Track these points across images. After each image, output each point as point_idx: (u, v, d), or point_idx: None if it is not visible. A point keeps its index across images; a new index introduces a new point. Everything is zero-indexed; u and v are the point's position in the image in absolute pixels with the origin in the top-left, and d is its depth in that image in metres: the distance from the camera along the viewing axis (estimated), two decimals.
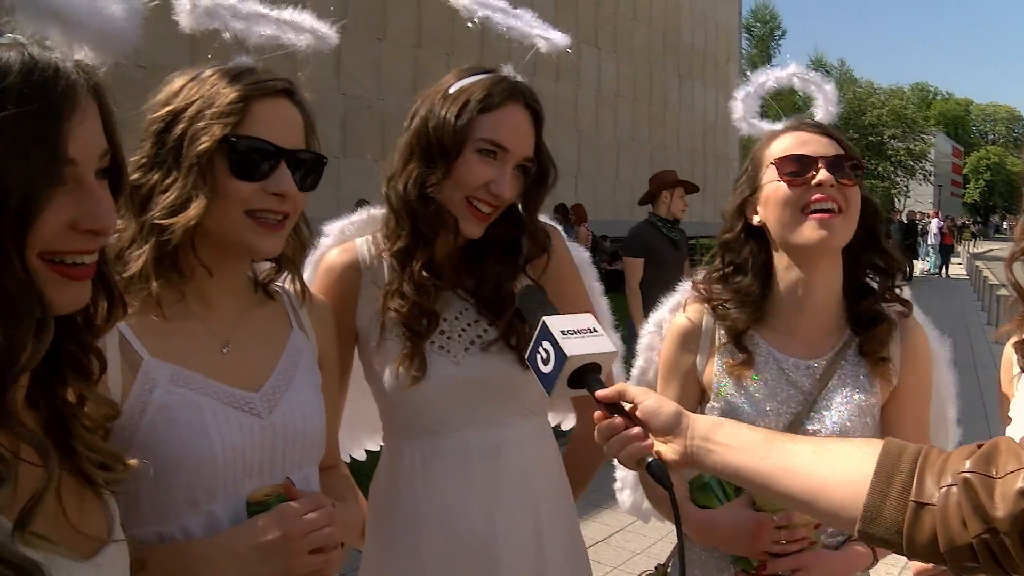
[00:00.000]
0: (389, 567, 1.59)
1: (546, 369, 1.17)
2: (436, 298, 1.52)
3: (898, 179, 48.60)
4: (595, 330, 1.19)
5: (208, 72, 1.24)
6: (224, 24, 1.28)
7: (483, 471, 1.54)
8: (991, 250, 41.41)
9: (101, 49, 0.85)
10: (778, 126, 1.68)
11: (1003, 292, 11.30)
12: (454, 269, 1.56)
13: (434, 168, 1.47)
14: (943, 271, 25.62)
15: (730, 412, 1.54)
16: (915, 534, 0.91)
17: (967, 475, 0.89)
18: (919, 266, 25.03)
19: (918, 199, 54.16)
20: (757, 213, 1.56)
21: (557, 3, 16.41)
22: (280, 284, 1.41)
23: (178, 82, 1.25)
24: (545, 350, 1.17)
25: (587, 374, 1.16)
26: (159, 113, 1.22)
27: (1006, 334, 1.52)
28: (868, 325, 1.55)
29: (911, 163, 47.70)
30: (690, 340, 1.63)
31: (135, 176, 1.22)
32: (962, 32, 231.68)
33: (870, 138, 45.82)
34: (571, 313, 1.23)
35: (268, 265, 1.38)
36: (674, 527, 1.12)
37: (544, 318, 1.19)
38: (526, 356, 1.23)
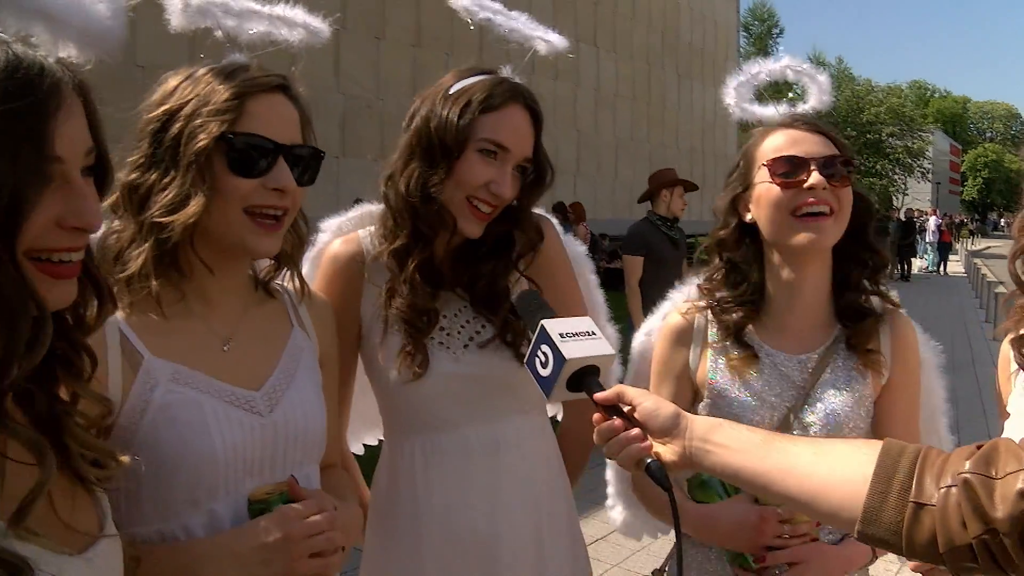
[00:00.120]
0: (390, 564, 1.59)
1: (545, 372, 1.17)
2: (435, 296, 1.53)
3: (896, 177, 48.60)
4: (593, 333, 1.19)
5: (202, 71, 1.25)
6: (216, 22, 1.28)
7: (483, 467, 1.55)
8: (989, 247, 41.43)
9: (86, 47, 0.85)
10: (770, 111, 1.68)
11: (1001, 289, 11.32)
12: (451, 267, 1.56)
13: (436, 168, 1.47)
14: (941, 269, 25.65)
15: (724, 407, 1.55)
16: (914, 535, 0.91)
17: (967, 476, 0.89)
18: (917, 264, 25.04)
19: (916, 197, 54.17)
20: (749, 210, 1.56)
21: (556, 2, 16.40)
22: (280, 283, 1.41)
23: (172, 81, 1.25)
24: (544, 353, 1.18)
25: (586, 377, 1.16)
26: (155, 113, 1.23)
27: (1005, 331, 1.52)
28: (855, 319, 1.56)
29: (909, 161, 47.70)
30: (683, 338, 1.63)
31: (133, 176, 1.22)
32: (960, 30, 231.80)
33: (868, 136, 45.82)
34: (561, 305, 1.23)
35: (267, 262, 1.38)
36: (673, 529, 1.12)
37: (543, 321, 1.19)
38: (525, 360, 1.23)
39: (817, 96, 1.72)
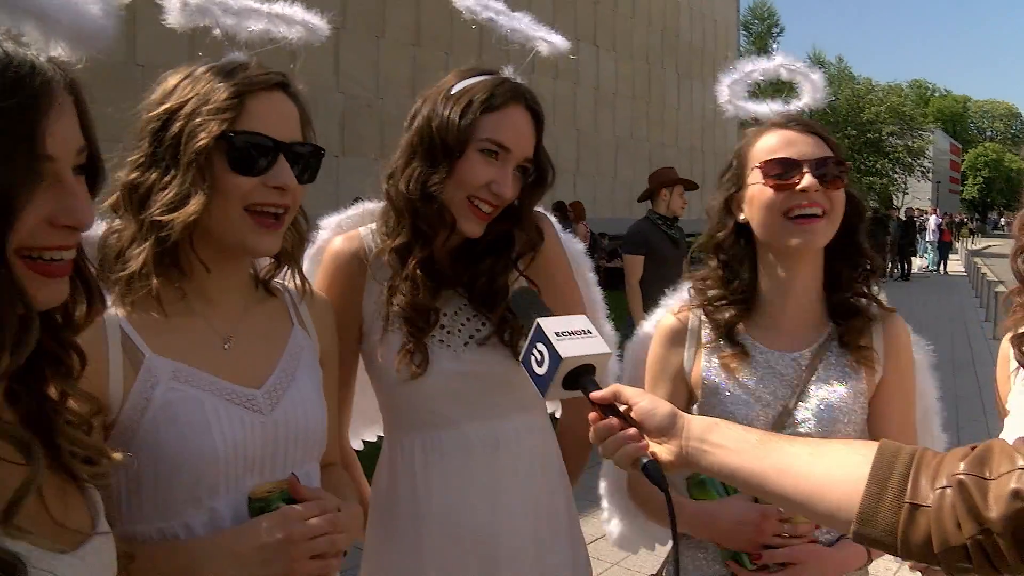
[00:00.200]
0: (390, 562, 1.60)
1: (540, 371, 1.18)
2: (436, 295, 1.53)
3: (896, 176, 48.56)
4: (589, 331, 1.19)
5: (201, 69, 1.25)
6: (215, 20, 1.28)
7: (483, 465, 1.55)
8: (989, 247, 41.43)
9: (78, 46, 0.84)
10: (764, 107, 1.68)
11: (1001, 289, 11.32)
12: (452, 266, 1.56)
13: (437, 167, 1.48)
14: (941, 268, 25.65)
15: (718, 406, 1.55)
16: (910, 535, 0.92)
17: (961, 476, 0.90)
18: (917, 263, 25.04)
19: (916, 196, 54.16)
20: (743, 211, 1.57)
21: (555, 1, 16.40)
22: (280, 281, 1.41)
23: (172, 80, 1.25)
24: (539, 352, 1.18)
25: (582, 375, 1.17)
26: (155, 112, 1.23)
27: (1005, 329, 1.53)
28: (846, 316, 1.56)
29: (909, 160, 47.65)
30: (677, 339, 1.64)
31: (133, 175, 1.22)
32: (960, 29, 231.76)
33: (868, 135, 45.80)
34: (560, 303, 1.23)
35: (268, 260, 1.38)
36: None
37: (538, 320, 1.19)
38: (520, 358, 1.23)
39: (811, 94, 1.72)
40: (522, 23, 1.63)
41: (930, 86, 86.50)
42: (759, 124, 1.64)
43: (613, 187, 20.09)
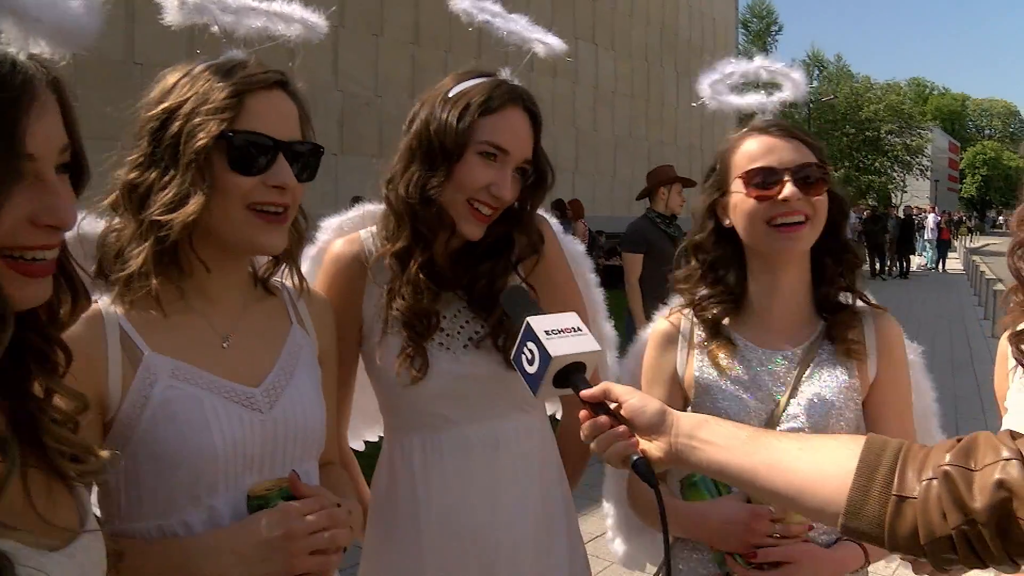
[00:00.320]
0: (389, 560, 1.60)
1: (531, 369, 1.18)
2: (435, 298, 1.53)
3: (895, 174, 48.64)
4: (579, 329, 1.19)
5: (200, 68, 1.24)
6: (213, 18, 1.27)
7: (482, 466, 1.55)
8: (988, 245, 41.47)
9: (59, 44, 0.83)
10: (746, 101, 1.68)
11: (1000, 287, 11.32)
12: (452, 269, 1.56)
13: (435, 171, 1.48)
14: (940, 266, 25.67)
15: (710, 404, 1.55)
16: (897, 527, 0.93)
17: (947, 468, 0.91)
18: (916, 261, 25.06)
19: (915, 194, 54.18)
20: (727, 216, 1.57)
21: (554, 1, 16.40)
22: (279, 280, 1.41)
23: (171, 79, 1.25)
24: (530, 350, 1.18)
25: (572, 373, 1.17)
26: (154, 111, 1.22)
27: (1004, 327, 1.53)
28: (833, 311, 1.57)
29: (908, 158, 47.72)
30: (670, 341, 1.65)
31: (132, 175, 1.22)
32: (959, 27, 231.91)
33: (867, 133, 45.85)
34: (560, 304, 1.23)
35: (266, 258, 1.38)
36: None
37: (528, 318, 1.19)
38: (511, 357, 1.23)
39: (793, 92, 1.71)
40: (518, 25, 1.63)
41: (929, 84, 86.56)
42: (756, 116, 1.64)
43: (612, 185, 20.10)
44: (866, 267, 20.85)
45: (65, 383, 0.94)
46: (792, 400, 1.52)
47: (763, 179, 1.49)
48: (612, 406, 1.16)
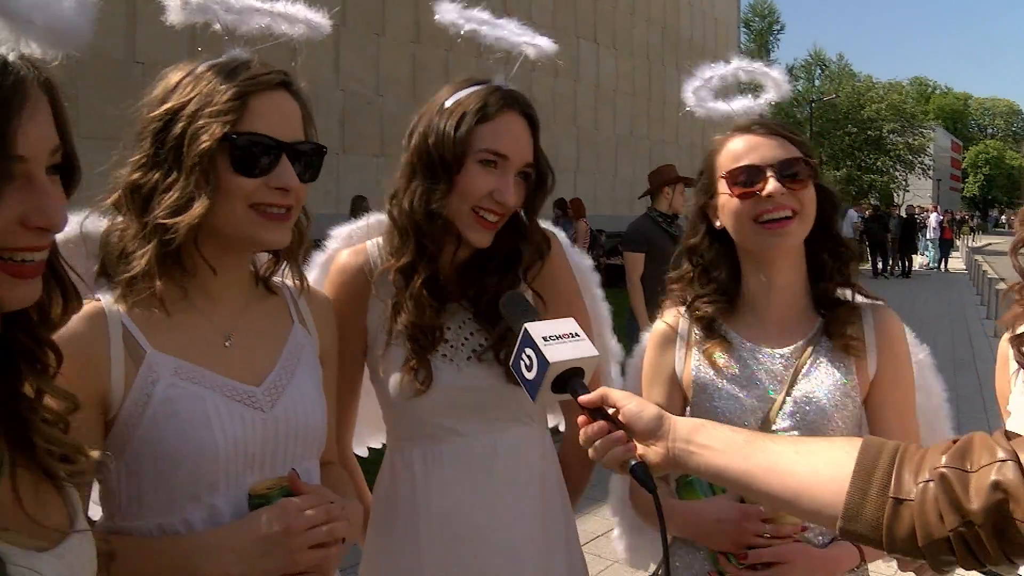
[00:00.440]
0: (389, 561, 1.60)
1: (530, 375, 1.18)
2: (440, 312, 1.53)
3: (897, 173, 48.56)
4: (577, 335, 1.20)
5: (203, 68, 1.24)
6: (216, 18, 1.27)
7: (482, 473, 1.56)
8: (990, 244, 41.42)
9: (52, 44, 0.82)
10: (732, 106, 1.68)
11: (1002, 286, 11.29)
12: (458, 281, 1.57)
13: (437, 183, 1.48)
14: (942, 265, 25.64)
15: (707, 403, 1.55)
16: (894, 530, 0.93)
17: (943, 470, 0.91)
18: (918, 260, 25.03)
19: (917, 193, 54.09)
20: (718, 218, 1.58)
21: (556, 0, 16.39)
22: (280, 279, 1.42)
23: (173, 78, 1.25)
24: (528, 356, 1.18)
25: (570, 379, 1.17)
26: (156, 112, 1.22)
27: (1005, 325, 1.52)
28: (830, 307, 1.56)
29: (910, 157, 47.64)
30: (667, 342, 1.65)
31: (135, 175, 1.22)
32: (961, 26, 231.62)
33: (869, 132, 45.79)
34: (565, 316, 1.24)
35: (266, 257, 1.38)
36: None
37: (526, 324, 1.20)
38: (510, 363, 1.24)
39: (775, 89, 1.71)
40: (506, 30, 1.62)
41: (931, 83, 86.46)
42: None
43: (613, 184, 20.10)
44: (868, 266, 20.88)
45: (56, 383, 0.94)
46: (788, 398, 1.51)
47: (747, 177, 1.49)
48: (610, 411, 1.16)
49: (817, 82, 60.46)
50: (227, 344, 1.29)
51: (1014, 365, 1.49)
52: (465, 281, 1.56)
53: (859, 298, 1.59)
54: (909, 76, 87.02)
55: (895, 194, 49.54)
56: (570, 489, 1.71)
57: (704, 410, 1.55)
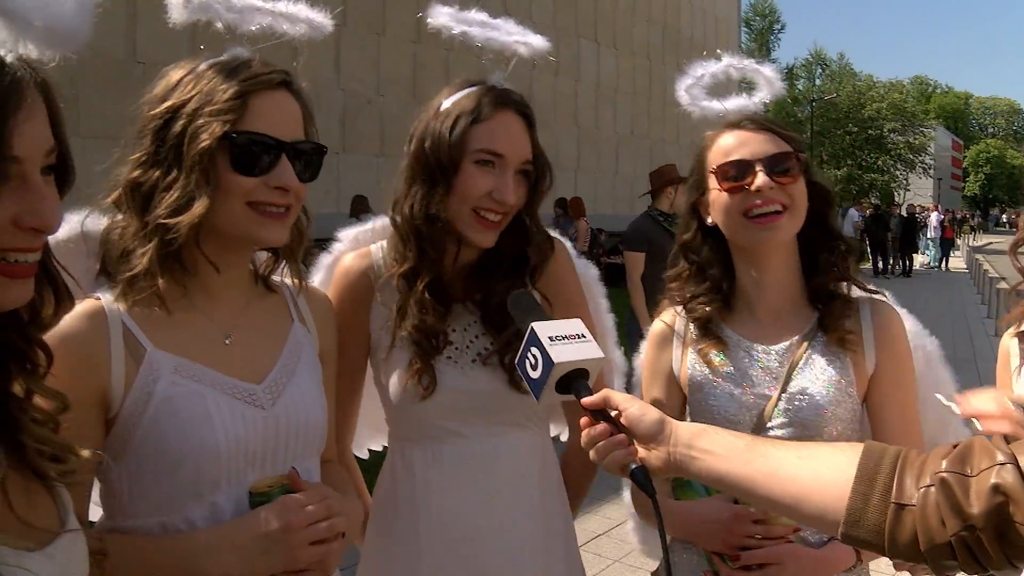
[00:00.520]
0: (388, 561, 1.60)
1: (534, 375, 1.19)
2: (444, 316, 1.53)
3: (898, 173, 48.56)
4: (583, 336, 1.20)
5: (204, 66, 1.24)
6: (217, 17, 1.27)
7: (482, 474, 1.56)
8: (991, 243, 41.39)
9: (51, 45, 0.82)
10: (727, 105, 1.68)
11: (1003, 285, 11.30)
12: (464, 283, 1.57)
13: (436, 187, 1.48)
14: (943, 265, 25.63)
15: (702, 401, 1.55)
16: (897, 535, 0.93)
17: (944, 475, 0.91)
18: (919, 259, 25.02)
19: (918, 193, 54.06)
20: (710, 214, 1.57)
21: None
22: (280, 277, 1.42)
23: (174, 76, 1.25)
24: (533, 356, 1.19)
25: (575, 380, 1.18)
26: (157, 110, 1.22)
27: (1008, 324, 1.52)
28: (826, 301, 1.55)
29: (911, 157, 47.66)
30: (665, 340, 1.65)
31: (136, 173, 1.22)
32: (962, 26, 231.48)
33: (870, 132, 45.80)
34: (571, 318, 1.24)
35: (266, 255, 1.38)
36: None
37: (532, 324, 1.20)
38: (515, 361, 1.24)
39: (768, 86, 1.71)
40: (496, 31, 1.61)
41: (931, 82, 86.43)
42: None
43: (614, 183, 20.10)
44: (869, 265, 20.87)
45: (52, 382, 0.94)
46: (783, 395, 1.51)
47: (736, 172, 1.49)
48: (612, 414, 1.17)
49: (818, 81, 60.46)
50: (227, 342, 1.29)
51: (1015, 363, 1.49)
52: (471, 283, 1.57)
53: (857, 292, 1.57)
54: (910, 75, 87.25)
55: (896, 193, 49.53)
56: (571, 496, 1.71)
57: (701, 408, 1.55)
